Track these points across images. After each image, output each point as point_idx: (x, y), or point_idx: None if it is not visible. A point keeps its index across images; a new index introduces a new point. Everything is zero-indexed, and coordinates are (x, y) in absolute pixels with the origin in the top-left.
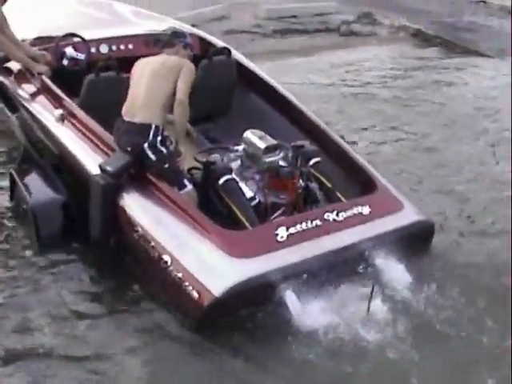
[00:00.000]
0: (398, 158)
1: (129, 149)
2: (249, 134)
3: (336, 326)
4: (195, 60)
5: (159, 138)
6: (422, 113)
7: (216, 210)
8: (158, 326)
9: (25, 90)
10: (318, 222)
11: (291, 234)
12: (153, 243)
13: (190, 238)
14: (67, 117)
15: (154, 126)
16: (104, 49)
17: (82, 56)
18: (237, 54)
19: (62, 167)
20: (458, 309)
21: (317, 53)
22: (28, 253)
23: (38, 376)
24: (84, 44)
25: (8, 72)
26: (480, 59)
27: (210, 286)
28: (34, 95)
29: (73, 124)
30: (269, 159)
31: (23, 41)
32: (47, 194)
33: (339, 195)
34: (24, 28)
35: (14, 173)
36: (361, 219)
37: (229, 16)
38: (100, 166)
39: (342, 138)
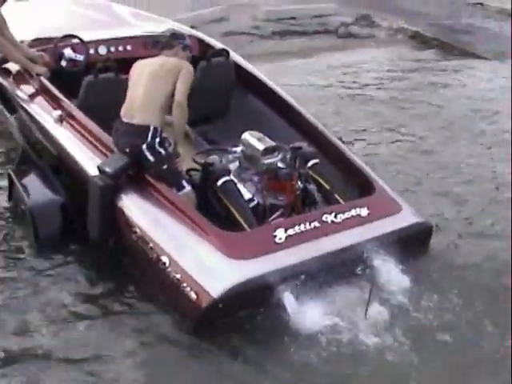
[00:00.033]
0: (395, 160)
1: (127, 150)
2: (247, 136)
3: (334, 328)
4: (194, 61)
5: (158, 140)
6: (420, 115)
7: (214, 211)
8: (156, 327)
9: (23, 91)
10: (317, 224)
11: (289, 235)
12: (151, 244)
13: (188, 239)
14: (66, 118)
15: (152, 128)
16: (102, 50)
17: (80, 57)
18: (235, 56)
19: (60, 168)
20: (457, 311)
21: (315, 54)
22: (26, 254)
23: (36, 377)
24: (82, 45)
25: (6, 73)
26: (477, 61)
27: (208, 288)
28: (32, 96)
29: (71, 125)
30: (267, 161)
31: (22, 42)
32: (46, 194)
33: (337, 197)
34: (22, 29)
35: (12, 174)
36: (359, 221)
37: (227, 18)
38: (98, 167)
39: (340, 139)
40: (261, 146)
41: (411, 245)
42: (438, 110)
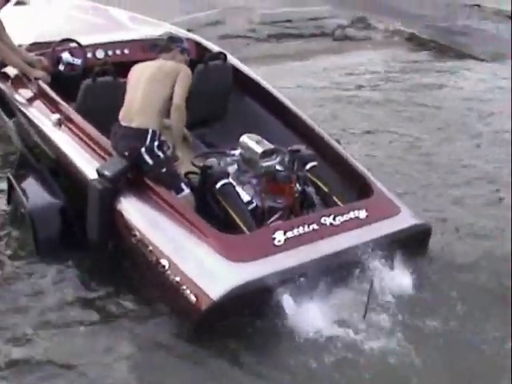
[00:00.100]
0: (392, 161)
1: (126, 153)
2: (245, 139)
3: (333, 330)
4: (191, 65)
5: (156, 143)
6: (417, 116)
7: (213, 214)
8: (155, 331)
9: (22, 95)
10: (315, 226)
11: (288, 238)
12: (150, 247)
13: (187, 242)
14: (64, 122)
15: (151, 131)
16: (100, 54)
17: (78, 61)
18: (232, 59)
19: (59, 172)
20: (457, 311)
21: (312, 57)
22: (25, 257)
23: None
24: (80, 49)
25: (5, 77)
26: (474, 63)
27: (207, 290)
28: (30, 100)
29: (70, 129)
30: (266, 163)
31: (20, 46)
32: (45, 198)
33: (336, 199)
34: (21, 33)
35: (11, 177)
36: (357, 223)
37: (223, 21)
38: (97, 171)
39: (338, 141)
40: (259, 149)
41: (410, 247)
42: (434, 112)
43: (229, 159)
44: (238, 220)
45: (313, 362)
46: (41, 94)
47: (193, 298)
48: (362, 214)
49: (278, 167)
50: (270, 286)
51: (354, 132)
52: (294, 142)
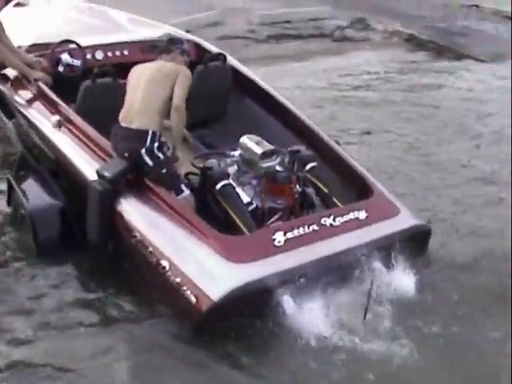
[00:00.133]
0: (391, 162)
1: (126, 155)
2: (245, 140)
3: (333, 331)
4: (191, 66)
5: (156, 144)
6: (416, 117)
7: (213, 215)
8: (155, 333)
9: (21, 97)
10: (315, 227)
11: (288, 238)
12: (151, 248)
13: (187, 242)
14: (64, 123)
15: (151, 132)
16: (99, 55)
17: (77, 62)
18: (232, 60)
19: (59, 173)
20: (457, 312)
21: (311, 58)
22: (25, 258)
23: None
24: (80, 50)
25: (4, 79)
26: (473, 63)
27: (208, 291)
28: (30, 101)
29: (70, 130)
30: (266, 164)
31: (19, 47)
32: (45, 199)
33: (335, 200)
34: (20, 35)
35: (11, 179)
36: (357, 224)
37: (222, 22)
38: (97, 172)
39: (337, 142)
40: (259, 150)
41: (410, 247)
42: (434, 112)
43: (229, 160)
44: (238, 221)
45: (313, 363)
46: (40, 96)
47: (193, 299)
48: (362, 214)
49: (278, 168)
50: (270, 286)
51: (354, 132)
52: (294, 143)
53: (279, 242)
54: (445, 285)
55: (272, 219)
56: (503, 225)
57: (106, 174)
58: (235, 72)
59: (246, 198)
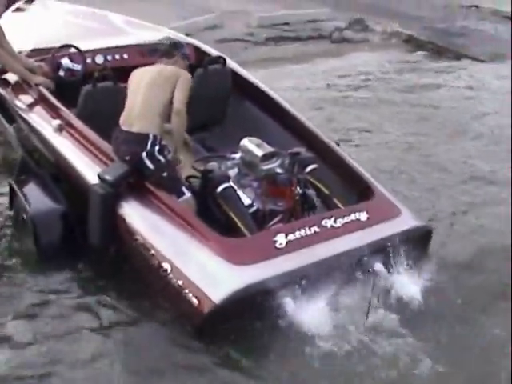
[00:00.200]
0: (391, 163)
1: (127, 158)
2: (246, 142)
3: (335, 333)
4: (190, 69)
5: (157, 147)
6: (416, 117)
7: (214, 217)
8: (156, 337)
9: (22, 101)
10: (316, 229)
11: (290, 240)
12: (152, 251)
13: (189, 245)
14: (65, 127)
15: (151, 136)
16: (99, 59)
17: (78, 67)
18: (231, 63)
19: (60, 177)
20: (457, 311)
21: (310, 60)
22: (27, 262)
23: None
24: (80, 55)
25: (5, 83)
26: (472, 63)
27: (209, 294)
28: (31, 106)
29: (71, 134)
30: (266, 167)
31: (20, 52)
32: (46, 203)
33: (336, 202)
34: (20, 40)
35: (12, 183)
36: (359, 225)
37: (221, 25)
38: (99, 176)
39: (337, 144)
40: (259, 152)
41: (411, 248)
42: (433, 112)
43: (229, 163)
44: (239, 223)
45: (314, 365)
46: (41, 100)
47: (195, 302)
48: (363, 216)
49: (279, 170)
50: (271, 288)
51: (353, 133)
52: (294, 145)
53: (280, 244)
54: (446, 285)
55: (273, 221)
56: (503, 224)
57: (108, 177)
58: (235, 75)
59: (246, 201)
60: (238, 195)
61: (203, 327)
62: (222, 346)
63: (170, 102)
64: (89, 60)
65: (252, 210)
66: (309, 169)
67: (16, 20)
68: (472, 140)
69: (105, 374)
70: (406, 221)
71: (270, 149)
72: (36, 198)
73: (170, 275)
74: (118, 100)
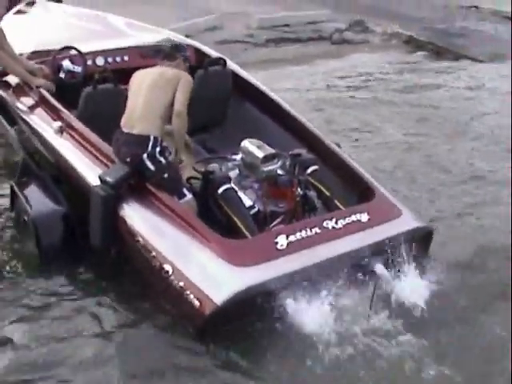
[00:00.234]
0: (390, 163)
1: (128, 160)
2: (247, 144)
3: (336, 334)
4: (191, 70)
5: (158, 149)
6: (416, 118)
7: (215, 219)
8: (157, 339)
9: (23, 103)
10: (318, 230)
11: (291, 242)
12: (153, 253)
13: (190, 247)
14: (66, 129)
15: (152, 137)
16: (100, 61)
17: (78, 68)
18: (232, 64)
19: (61, 179)
20: (458, 310)
21: (310, 61)
22: (28, 264)
23: None
24: (80, 57)
25: (6, 85)
26: (472, 64)
27: (211, 295)
28: (32, 108)
29: (72, 136)
30: (267, 168)
31: (20, 55)
32: (47, 205)
33: (337, 203)
34: (21, 42)
35: (14, 185)
36: (360, 226)
37: (221, 26)
38: (100, 177)
39: (338, 145)
40: (260, 154)
41: (412, 249)
42: (433, 112)
43: (230, 164)
44: (240, 225)
45: (316, 366)
46: (42, 102)
47: (196, 303)
48: (364, 217)
49: (280, 172)
50: (273, 290)
51: (354, 134)
52: (295, 147)
53: (282, 245)
54: (446, 285)
55: (274, 223)
56: (503, 224)
57: (109, 179)
58: (235, 76)
59: (247, 202)
60: (239, 197)
61: (204, 328)
62: (223, 348)
63: (172, 104)
64: (89, 62)
65: (253, 211)
66: (310, 170)
67: (17, 22)
68: (472, 140)
69: (106, 376)
70: (406, 221)
71: (270, 150)
72: (37, 199)
73: (172, 277)
74: (118, 102)
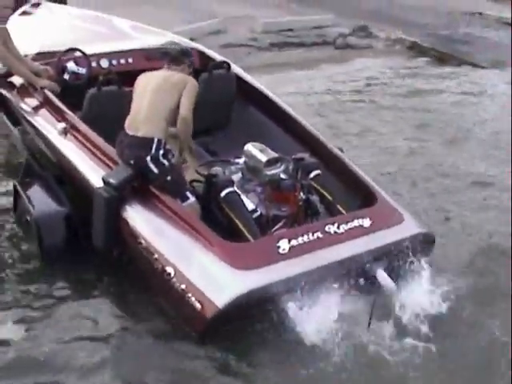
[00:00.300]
0: (392, 167)
1: (132, 162)
2: (250, 147)
3: (338, 338)
4: (195, 74)
5: (161, 152)
6: (418, 122)
7: (218, 222)
8: (157, 341)
9: (28, 104)
10: (320, 235)
11: (293, 246)
12: (156, 255)
13: (192, 249)
14: (70, 130)
15: (156, 140)
16: (104, 63)
17: (83, 70)
18: (236, 68)
19: (64, 180)
20: (459, 311)
21: (313, 66)
22: (30, 265)
23: None
24: (85, 59)
25: (11, 86)
26: (475, 70)
27: (213, 298)
28: (36, 109)
29: (75, 137)
30: (270, 172)
31: (25, 56)
32: (50, 206)
33: (339, 208)
34: (26, 43)
35: (17, 185)
36: (362, 231)
37: (225, 30)
38: (103, 179)
39: (341, 150)
40: (263, 158)
41: (413, 254)
42: (435, 117)
43: (233, 168)
44: (242, 228)
45: (316, 370)
46: (46, 103)
47: (198, 306)
48: (366, 222)
49: (282, 176)
50: (274, 293)
51: (356, 139)
52: (298, 151)
53: (284, 249)
54: (447, 288)
55: (276, 226)
56: (504, 227)
57: (112, 181)
58: (239, 80)
59: (250, 206)
60: (241, 200)
61: (206, 331)
62: (223, 351)
63: (177, 107)
64: (94, 64)
65: (255, 215)
66: (312, 174)
67: (22, 23)
68: (473, 145)
69: (106, 380)
70: (409, 227)
71: (273, 154)
72: (40, 200)
73: (174, 279)
74: (122, 104)
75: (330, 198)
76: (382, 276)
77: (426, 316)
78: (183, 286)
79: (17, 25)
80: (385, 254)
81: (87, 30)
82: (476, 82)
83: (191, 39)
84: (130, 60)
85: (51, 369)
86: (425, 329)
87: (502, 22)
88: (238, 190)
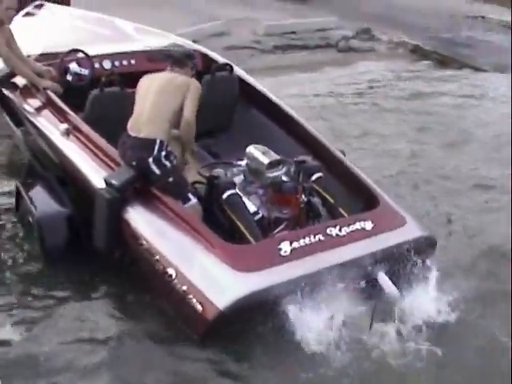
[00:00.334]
0: (394, 170)
1: (134, 163)
2: (252, 150)
3: (339, 340)
4: (198, 76)
5: (163, 153)
6: (420, 125)
7: (219, 224)
8: (157, 343)
9: (30, 105)
10: (321, 237)
11: (294, 248)
12: (157, 256)
13: (194, 251)
14: (72, 131)
15: (158, 141)
16: (107, 64)
17: (85, 71)
18: (238, 70)
19: (67, 181)
20: (458, 313)
21: (317, 68)
22: (32, 265)
23: None
24: (88, 60)
25: (14, 87)
26: (475, 73)
27: (214, 300)
28: (39, 110)
29: (78, 138)
30: (272, 174)
31: (28, 56)
32: (52, 206)
33: (341, 210)
34: (29, 44)
35: (19, 186)
36: (363, 234)
37: (228, 32)
38: (105, 180)
39: (343, 152)
40: (265, 160)
41: (415, 257)
42: (436, 120)
43: (235, 170)
44: (244, 230)
45: (317, 372)
46: (49, 104)
47: (199, 308)
48: (368, 225)
49: (284, 178)
50: (275, 296)
51: (358, 141)
52: (300, 153)
53: (285, 251)
54: (448, 289)
55: (278, 229)
56: (505, 229)
57: (114, 182)
58: (242, 82)
59: (252, 208)
60: (243, 202)
61: (207, 333)
62: (223, 354)
63: (180, 109)
64: (96, 65)
65: (257, 217)
66: (314, 177)
67: (25, 24)
68: (475, 148)
69: (106, 381)
70: (410, 230)
71: (275, 156)
72: (42, 200)
73: (175, 281)
74: (124, 105)
75: (331, 200)
76: (383, 279)
77: (428, 319)
78: (184, 288)
79: (20, 26)
80: (386, 257)
81: (90, 31)
82: (478, 85)
83: (194, 41)
84: (133, 61)
85: (51, 369)
86: (426, 332)
87: (504, 26)
88: (239, 192)
